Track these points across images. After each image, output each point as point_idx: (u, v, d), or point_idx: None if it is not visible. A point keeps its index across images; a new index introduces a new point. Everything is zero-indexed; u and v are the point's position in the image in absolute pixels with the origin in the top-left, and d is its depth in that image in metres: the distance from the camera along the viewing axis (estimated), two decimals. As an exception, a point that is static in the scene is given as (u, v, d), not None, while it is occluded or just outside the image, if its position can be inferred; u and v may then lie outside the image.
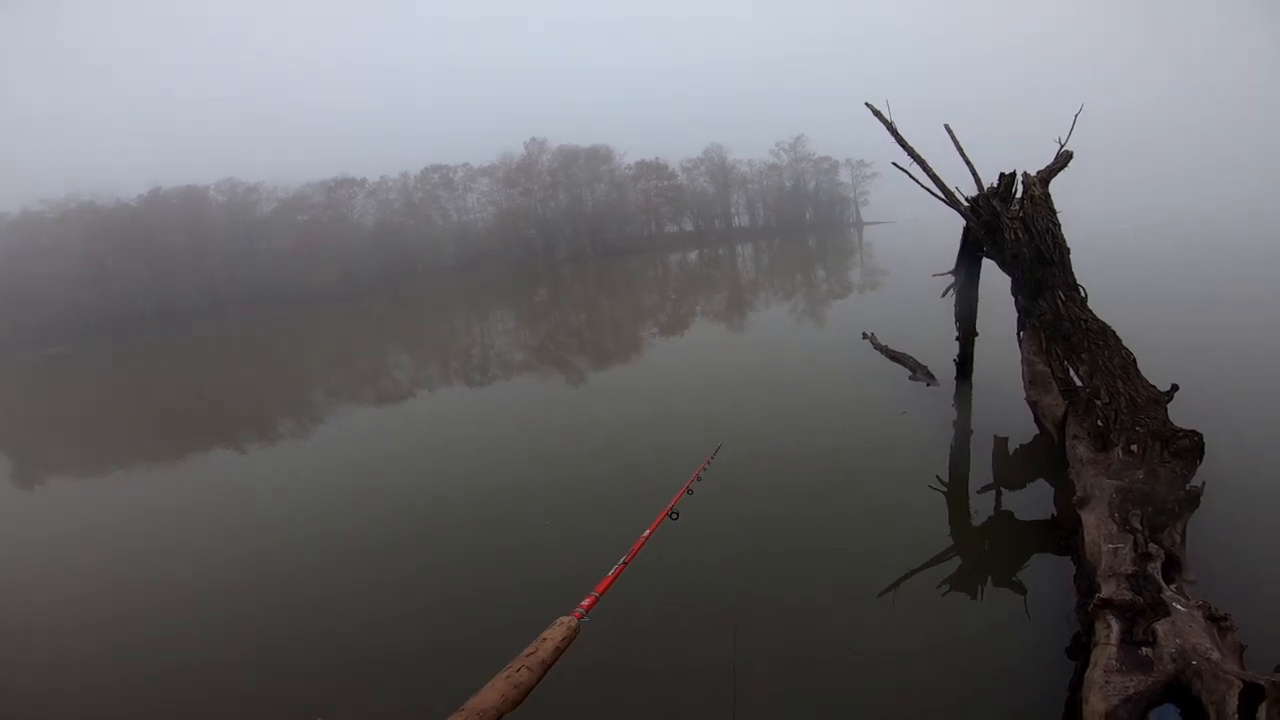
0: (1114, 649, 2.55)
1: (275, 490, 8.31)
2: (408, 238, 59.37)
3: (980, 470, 6.23)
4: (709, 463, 4.06)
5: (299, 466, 9.32)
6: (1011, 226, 6.33)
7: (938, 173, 7.14)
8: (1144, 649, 2.49)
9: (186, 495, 8.54)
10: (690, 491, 3.39)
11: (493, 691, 1.34)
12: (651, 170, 70.11)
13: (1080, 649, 2.95)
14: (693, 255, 53.23)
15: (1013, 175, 6.65)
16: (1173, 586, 2.89)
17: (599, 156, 66.69)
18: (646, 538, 2.46)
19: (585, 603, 1.84)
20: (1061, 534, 4.41)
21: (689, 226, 73.77)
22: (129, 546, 6.85)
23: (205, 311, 45.46)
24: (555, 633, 1.62)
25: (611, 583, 2.03)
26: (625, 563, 2.18)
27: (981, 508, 5.44)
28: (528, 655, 1.49)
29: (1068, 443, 5.17)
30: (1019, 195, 6.60)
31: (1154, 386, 5.07)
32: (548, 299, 32.28)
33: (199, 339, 32.71)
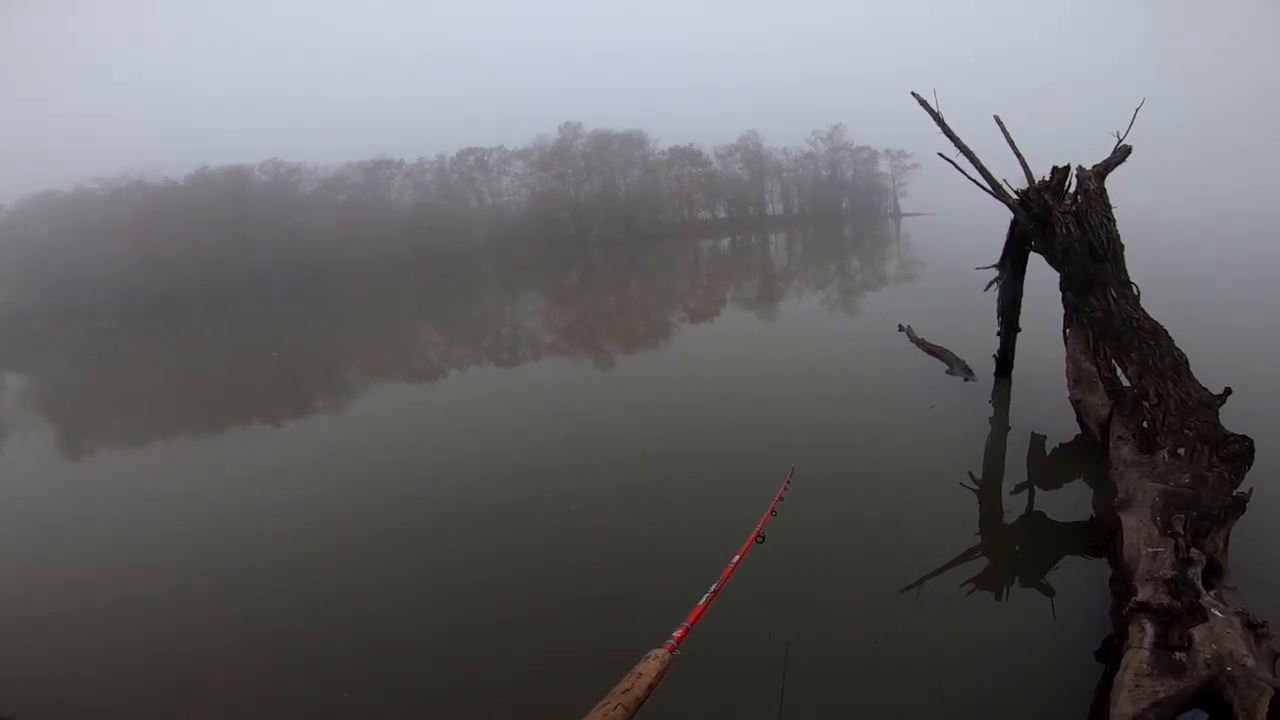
0: (1146, 653, 2.52)
1: (302, 471, 8.40)
2: (443, 219, 60.23)
3: (1015, 469, 6.12)
4: (788, 483, 3.78)
5: (331, 447, 9.50)
6: (1063, 221, 6.13)
7: (984, 163, 6.94)
8: (1178, 654, 2.46)
9: (209, 477, 8.58)
10: (774, 514, 3.19)
11: None
12: (685, 156, 69.33)
13: (1111, 652, 2.91)
14: (725, 242, 52.74)
15: (1066, 169, 6.43)
16: (1212, 592, 2.83)
17: (633, 142, 66.21)
18: (736, 563, 2.37)
19: (677, 634, 1.75)
20: (1097, 536, 4.33)
21: (722, 214, 72.91)
22: (133, 531, 6.89)
23: (247, 289, 47.01)
24: (650, 667, 1.53)
25: (702, 612, 1.95)
26: (715, 590, 2.10)
27: (1014, 507, 5.35)
28: (623, 692, 1.44)
29: (1111, 444, 5.03)
30: (1072, 189, 6.38)
31: (1206, 389, 4.89)
32: (579, 282, 32.44)
33: (239, 316, 33.84)
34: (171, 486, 8.36)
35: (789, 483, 3.81)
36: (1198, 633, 2.52)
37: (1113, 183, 6.53)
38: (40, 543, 6.99)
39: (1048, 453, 6.29)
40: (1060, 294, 6.45)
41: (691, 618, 1.87)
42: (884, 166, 79.47)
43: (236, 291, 46.40)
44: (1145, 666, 2.45)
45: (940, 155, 7.06)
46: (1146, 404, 4.87)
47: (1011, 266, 7.50)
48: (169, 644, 4.61)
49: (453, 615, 4.52)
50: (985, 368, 8.28)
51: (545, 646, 3.99)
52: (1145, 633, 2.64)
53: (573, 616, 4.28)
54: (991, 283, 7.80)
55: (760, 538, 2.73)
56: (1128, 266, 6.06)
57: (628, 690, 1.43)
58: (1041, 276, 7.05)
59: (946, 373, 8.69)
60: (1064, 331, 6.44)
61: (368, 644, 4.25)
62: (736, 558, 2.40)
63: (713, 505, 5.65)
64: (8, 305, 44.12)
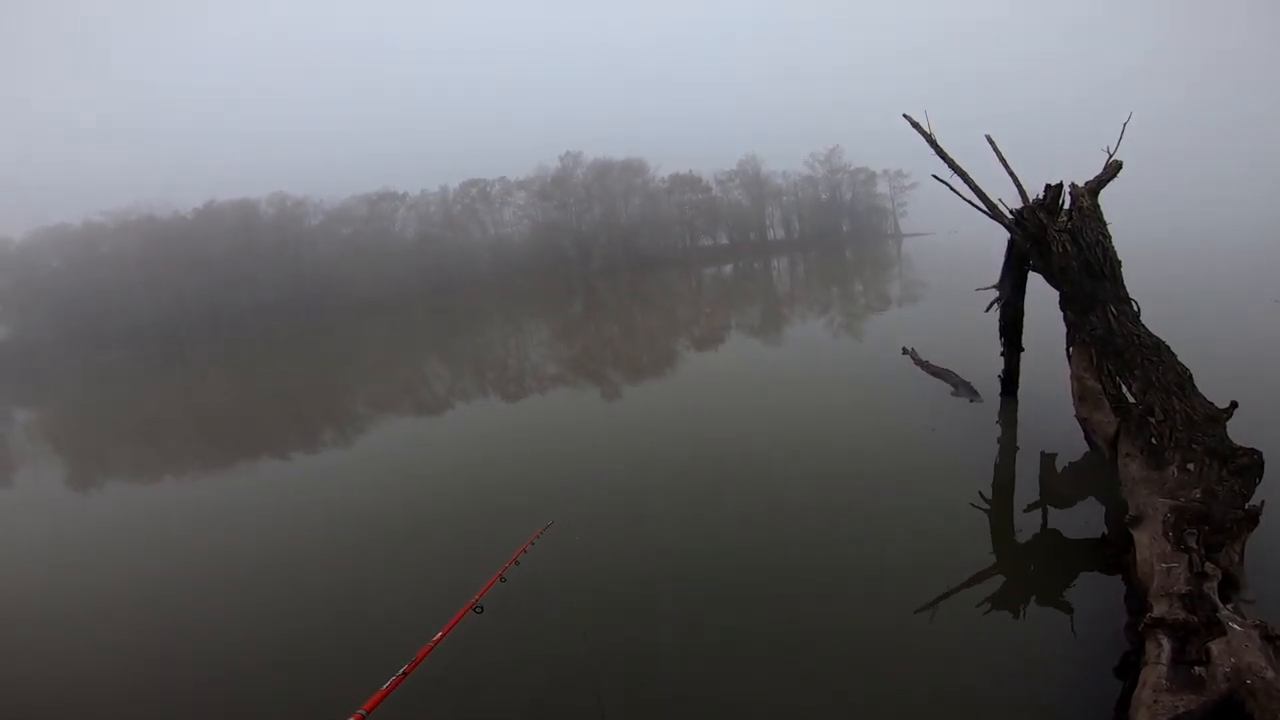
0: (1164, 668, 2.50)
1: (305, 490, 8.74)
2: (447, 250, 61.01)
3: (1026, 488, 6.08)
4: (532, 543, 3.57)
5: (330, 471, 9.75)
6: (1059, 239, 6.19)
7: (979, 183, 7.04)
8: (1196, 668, 2.45)
9: (199, 501, 9.07)
10: (504, 579, 2.85)
11: None
12: (685, 183, 70.39)
13: (1129, 669, 2.89)
14: (728, 269, 53.12)
15: (1059, 186, 6.52)
16: (1229, 606, 2.82)
17: (633, 169, 67.38)
18: (439, 640, 2.08)
19: None
20: (1111, 553, 4.30)
21: (724, 239, 73.63)
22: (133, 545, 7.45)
23: (253, 321, 47.46)
24: None
25: (385, 696, 1.73)
26: (406, 673, 1.86)
27: (1026, 526, 5.32)
28: None
29: (1120, 460, 5.02)
30: (1066, 207, 6.47)
31: (1211, 403, 4.89)
32: (583, 312, 32.68)
33: (244, 348, 34.17)
34: (176, 507, 8.67)
35: (536, 540, 3.65)
36: (1215, 646, 2.50)
37: (1110, 200, 6.63)
38: (52, 560, 7.46)
39: (1058, 471, 6.27)
40: (1061, 312, 6.49)
41: (370, 704, 1.64)
42: (883, 187, 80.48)
43: (243, 323, 46.81)
44: (1164, 682, 2.43)
45: (935, 177, 7.17)
46: (1153, 420, 4.87)
47: (1011, 286, 7.55)
48: (169, 650, 4.92)
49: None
50: (991, 388, 8.29)
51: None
52: (1162, 648, 2.62)
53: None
54: (992, 303, 7.85)
55: (478, 608, 2.41)
56: (1126, 283, 6.10)
57: None
58: (1043, 294, 7.11)
59: (952, 394, 8.69)
60: (1067, 350, 6.46)
61: (365, 654, 4.29)
62: (440, 635, 2.10)
63: (710, 536, 5.63)
64: (19, 337, 44.67)
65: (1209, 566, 3.16)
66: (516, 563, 3.17)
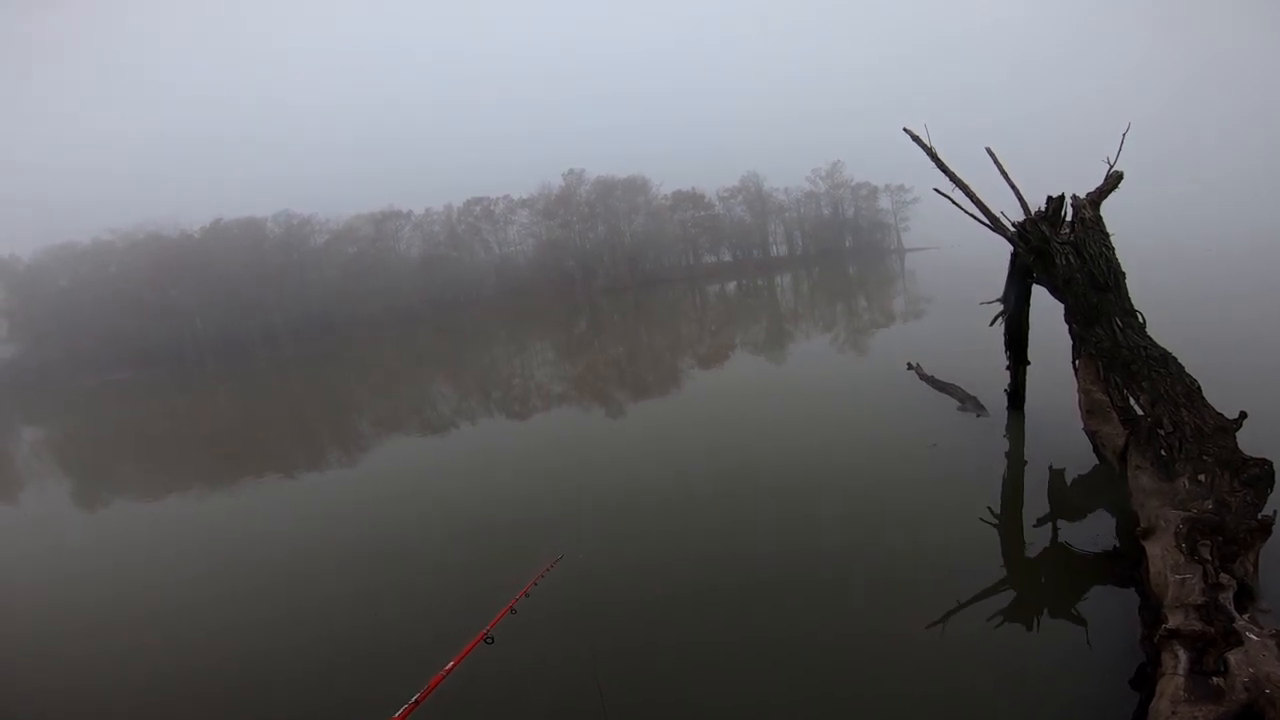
0: (1182, 679, 2.47)
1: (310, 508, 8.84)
2: (451, 269, 61.33)
3: (1036, 502, 6.04)
4: (542, 576, 3.62)
5: (334, 490, 9.85)
6: (1062, 252, 6.20)
7: (980, 194, 7.07)
8: (1214, 679, 2.41)
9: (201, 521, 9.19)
10: (514, 611, 2.89)
11: None
12: (688, 200, 70.62)
13: (1145, 681, 2.85)
14: (731, 286, 53.23)
15: (1061, 198, 6.55)
16: (1245, 616, 2.79)
17: (636, 187, 67.67)
18: (451, 669, 2.11)
19: None
20: (1124, 565, 4.26)
21: (726, 256, 73.71)
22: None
23: (260, 340, 47.72)
24: None
25: None
26: (418, 701, 1.91)
27: (1037, 540, 5.28)
28: None
29: (1130, 473, 4.97)
30: (1068, 219, 6.48)
31: (1220, 414, 4.86)
32: (588, 331, 32.78)
33: (252, 366, 34.34)
34: (180, 525, 8.74)
35: (548, 572, 3.68)
36: (1233, 656, 2.47)
37: (1112, 210, 6.64)
38: (67, 575, 7.60)
39: (1067, 484, 6.21)
40: (1066, 325, 6.47)
41: None
42: (885, 202, 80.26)
43: (249, 342, 47.06)
44: (1181, 693, 2.40)
45: (936, 190, 7.21)
46: (1162, 432, 4.84)
47: (1015, 299, 7.55)
48: (167, 667, 5.00)
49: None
50: (998, 402, 8.24)
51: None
52: (1179, 659, 2.59)
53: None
54: (997, 317, 7.85)
55: (489, 639, 2.44)
56: (1131, 294, 6.10)
57: None
58: (1048, 307, 7.11)
59: (958, 409, 8.64)
60: (1073, 363, 6.43)
61: (376, 680, 4.26)
62: (452, 664, 2.14)
63: (717, 552, 5.62)
64: (28, 356, 45.02)
65: (1223, 577, 3.13)
66: (526, 595, 3.19)
